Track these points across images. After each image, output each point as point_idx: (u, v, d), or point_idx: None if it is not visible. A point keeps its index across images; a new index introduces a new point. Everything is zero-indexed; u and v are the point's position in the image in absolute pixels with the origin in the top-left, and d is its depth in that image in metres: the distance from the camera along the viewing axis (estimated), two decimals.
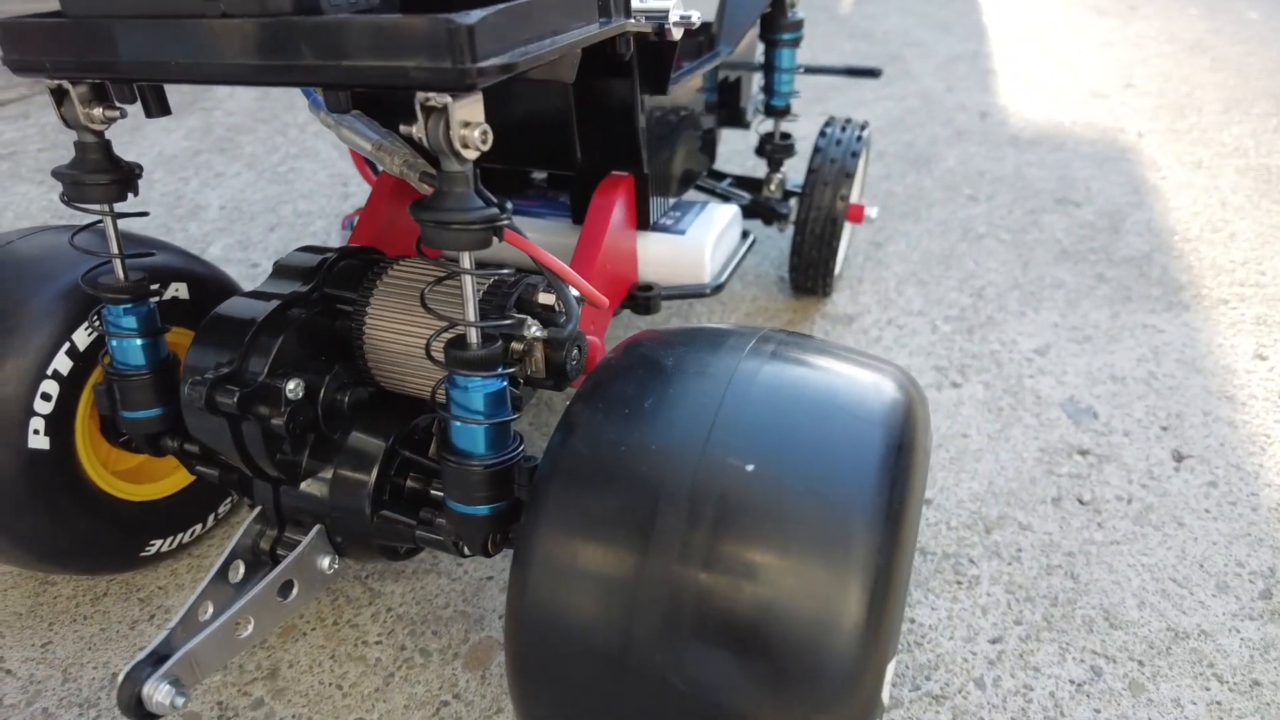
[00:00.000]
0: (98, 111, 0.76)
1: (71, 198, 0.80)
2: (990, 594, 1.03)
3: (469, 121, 0.61)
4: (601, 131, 1.03)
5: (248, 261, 1.86)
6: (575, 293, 0.81)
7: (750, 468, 0.59)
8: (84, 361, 0.92)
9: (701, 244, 1.14)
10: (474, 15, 0.56)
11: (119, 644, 1.00)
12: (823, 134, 1.49)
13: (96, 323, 0.91)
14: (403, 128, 0.63)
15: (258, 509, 0.86)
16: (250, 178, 2.30)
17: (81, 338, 0.91)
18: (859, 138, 1.48)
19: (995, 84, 2.91)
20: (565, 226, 1.20)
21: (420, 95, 0.60)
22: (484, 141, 0.62)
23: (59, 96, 0.76)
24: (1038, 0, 4.13)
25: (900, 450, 0.62)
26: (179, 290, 1.00)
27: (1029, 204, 2.04)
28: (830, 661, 0.55)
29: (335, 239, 1.94)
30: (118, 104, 0.77)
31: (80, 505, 0.94)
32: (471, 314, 0.69)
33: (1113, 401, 1.36)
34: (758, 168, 1.86)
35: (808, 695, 0.56)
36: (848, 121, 1.52)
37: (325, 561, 0.84)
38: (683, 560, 0.57)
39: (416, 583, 1.06)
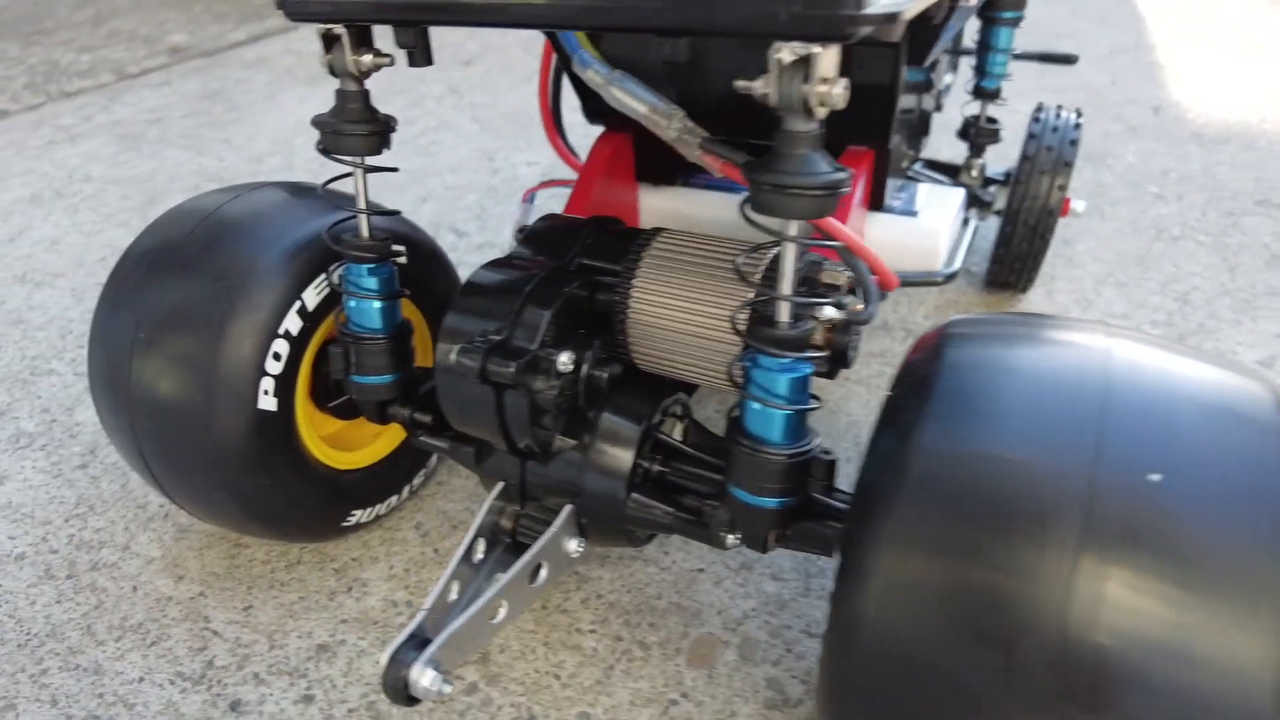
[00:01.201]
0: (366, 58, 0.72)
1: (329, 147, 0.76)
2: None
3: (828, 77, 0.54)
4: (853, 101, 0.95)
5: None
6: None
7: (1156, 478, 0.51)
8: (312, 322, 0.88)
9: (937, 228, 1.05)
10: None
11: (319, 614, 0.97)
12: (1036, 119, 1.38)
13: (327, 281, 0.87)
14: (740, 83, 0.57)
15: (499, 485, 0.82)
16: (392, 149, 2.29)
17: (311, 297, 0.87)
18: (1076, 125, 1.36)
19: (1164, 78, 2.73)
20: None
21: (776, 45, 0.53)
22: (843, 100, 0.55)
23: (328, 43, 0.72)
24: None
25: None
26: (400, 256, 0.96)
27: (1225, 205, 1.89)
28: None
29: (510, 214, 1.90)
30: (385, 51, 0.73)
31: (298, 470, 0.91)
32: (788, 287, 0.62)
33: None
34: (939, 151, 1.76)
35: None
36: (1060, 108, 1.41)
37: (572, 544, 0.79)
38: (1073, 588, 0.49)
39: (624, 569, 1.00)
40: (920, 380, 0.61)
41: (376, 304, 0.83)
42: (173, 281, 0.84)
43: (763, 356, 0.65)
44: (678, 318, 0.75)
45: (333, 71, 0.73)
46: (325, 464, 0.95)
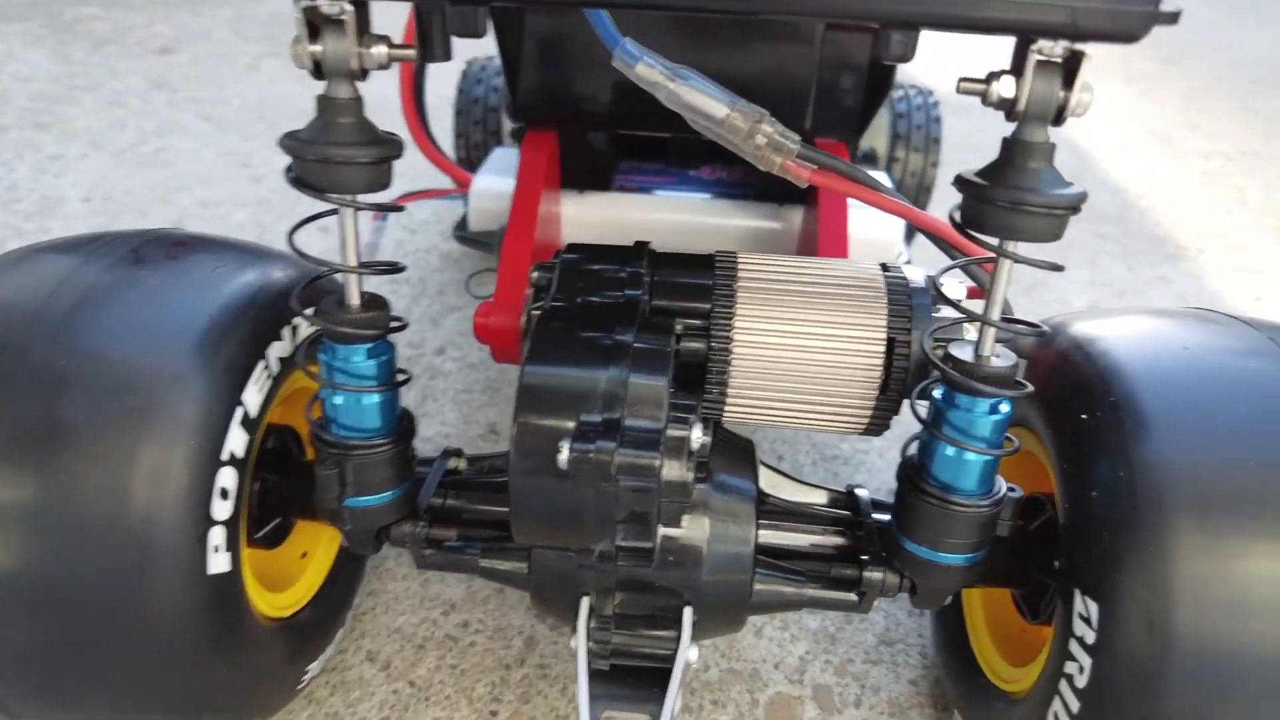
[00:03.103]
0: (379, 50, 0.50)
1: (312, 180, 0.52)
2: None
3: (1088, 83, 0.46)
4: (841, 93, 0.87)
5: None
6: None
7: None
8: (254, 432, 0.63)
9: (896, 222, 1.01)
10: None
11: None
12: (900, 99, 1.41)
13: (268, 371, 0.62)
14: (966, 84, 0.47)
15: (585, 605, 0.64)
16: (105, 161, 1.79)
17: (253, 397, 0.62)
18: (935, 103, 1.42)
19: None
20: (741, 207, 1.01)
21: (1042, 43, 0.45)
22: (1088, 108, 0.48)
23: (314, 27, 0.49)
24: None
25: None
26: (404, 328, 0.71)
27: None
28: None
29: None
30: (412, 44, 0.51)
31: (250, 637, 0.65)
32: (997, 313, 0.54)
33: None
34: None
35: None
36: (917, 89, 1.45)
37: (694, 653, 0.64)
38: None
39: None
40: (1100, 395, 0.56)
41: (375, 398, 0.60)
42: (28, 402, 0.54)
43: (962, 395, 0.56)
44: (796, 357, 0.63)
45: (318, 70, 0.50)
46: (271, 616, 0.70)
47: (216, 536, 0.59)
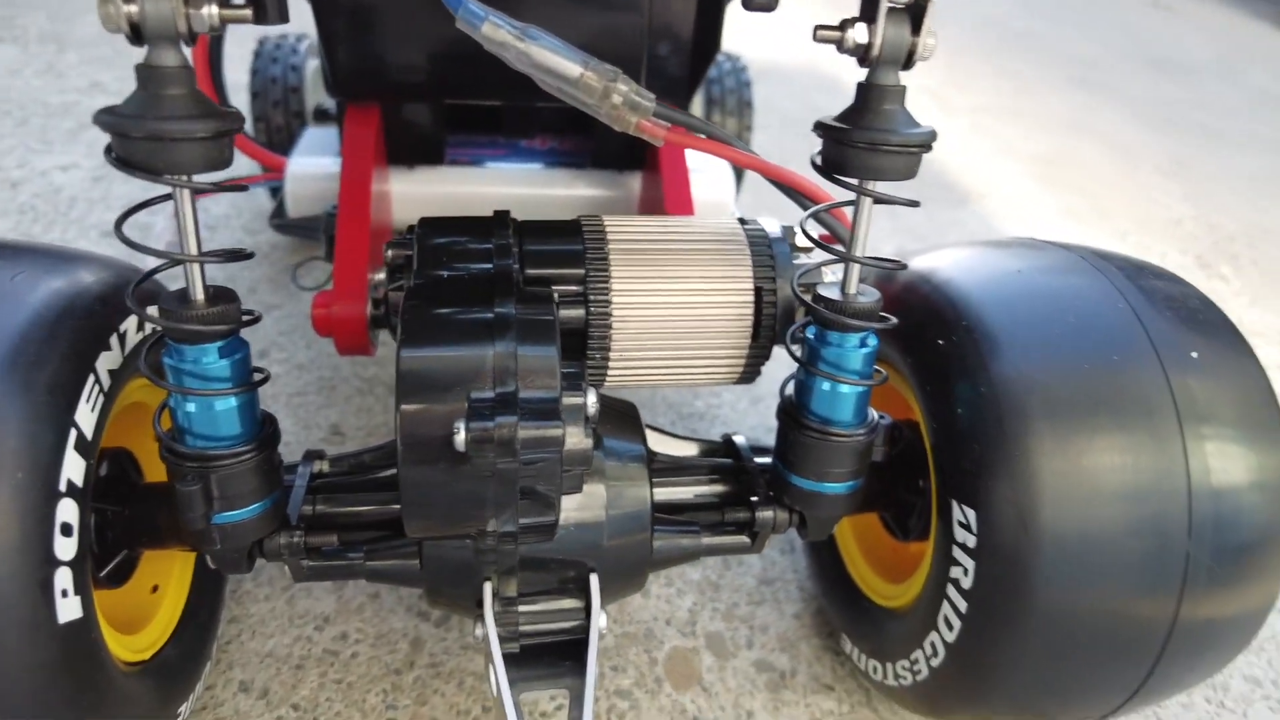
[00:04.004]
0: (210, 10, 0.45)
1: (139, 161, 0.47)
2: None
3: (932, 28, 0.50)
4: (672, 55, 0.87)
5: None
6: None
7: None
8: (89, 455, 0.55)
9: (728, 175, 1.04)
10: None
11: None
12: None
13: (98, 384, 0.55)
14: (823, 32, 0.49)
15: (489, 590, 0.61)
16: None
17: (86, 417, 0.55)
18: (744, 68, 1.45)
19: None
20: (579, 176, 0.99)
21: None
22: (933, 51, 0.51)
23: None
24: None
25: None
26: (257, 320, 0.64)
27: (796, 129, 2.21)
28: None
29: (159, 233, 1.38)
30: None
31: (112, 687, 0.58)
32: (861, 250, 0.57)
33: None
34: None
35: None
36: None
37: (603, 620, 0.64)
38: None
39: None
40: (953, 323, 0.61)
41: (234, 401, 0.55)
42: None
43: (833, 332, 0.59)
44: (673, 315, 0.63)
45: (136, 35, 0.44)
46: (130, 662, 0.62)
47: (63, 579, 0.52)
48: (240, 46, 1.57)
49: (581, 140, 1.05)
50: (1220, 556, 0.56)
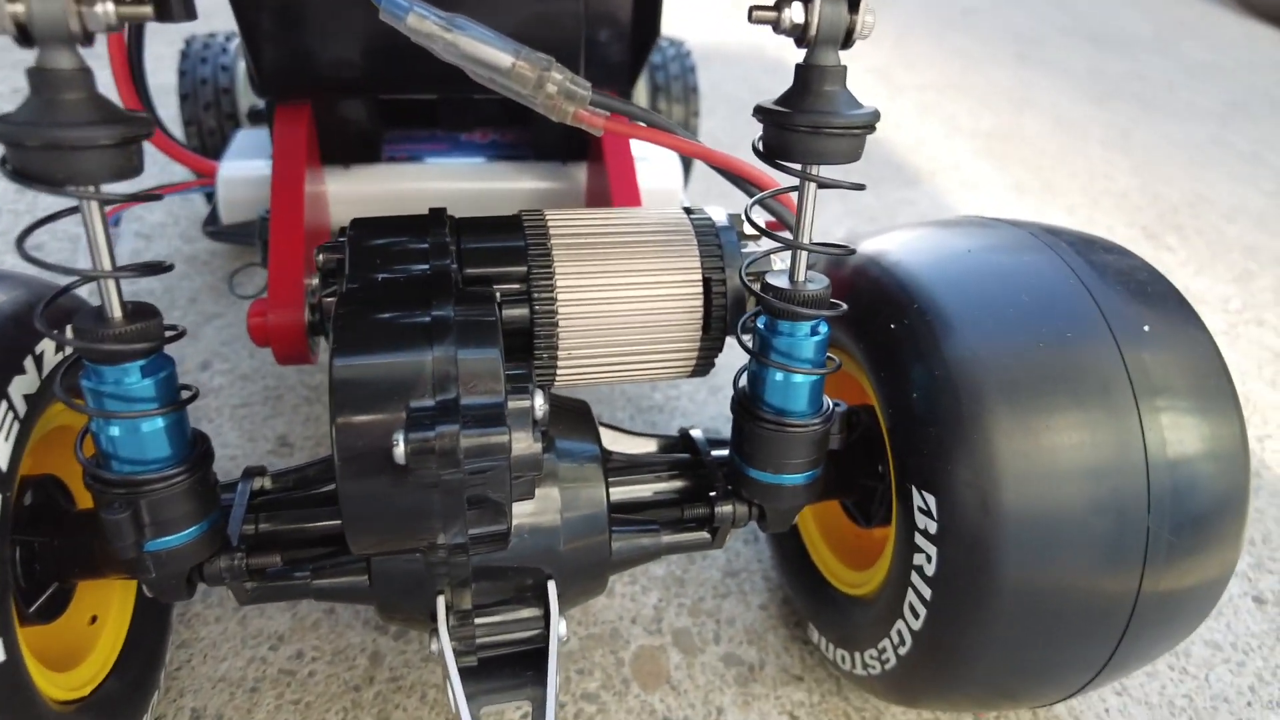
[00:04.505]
0: (106, 7, 0.43)
1: (34, 172, 0.44)
2: None
3: (870, 5, 0.48)
4: (611, 41, 0.85)
5: None
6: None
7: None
8: (6, 488, 0.52)
9: (676, 164, 1.02)
10: None
11: None
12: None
13: (10, 410, 0.52)
14: (760, 12, 0.48)
15: (442, 604, 0.59)
16: None
17: (1, 447, 0.51)
18: (688, 53, 1.44)
19: None
20: (523, 169, 0.97)
21: None
22: (872, 29, 0.50)
23: None
24: None
25: None
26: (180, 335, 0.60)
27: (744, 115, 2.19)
28: None
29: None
30: None
31: None
32: (808, 236, 0.55)
33: None
34: None
35: None
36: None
37: (563, 627, 0.62)
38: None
39: None
40: (904, 305, 0.60)
41: (160, 422, 0.52)
42: None
43: (783, 321, 0.57)
44: (621, 309, 0.61)
45: (23, 35, 0.41)
46: (66, 700, 0.59)
47: None
48: (172, 47, 1.51)
49: (524, 132, 1.03)
50: (1179, 529, 0.56)
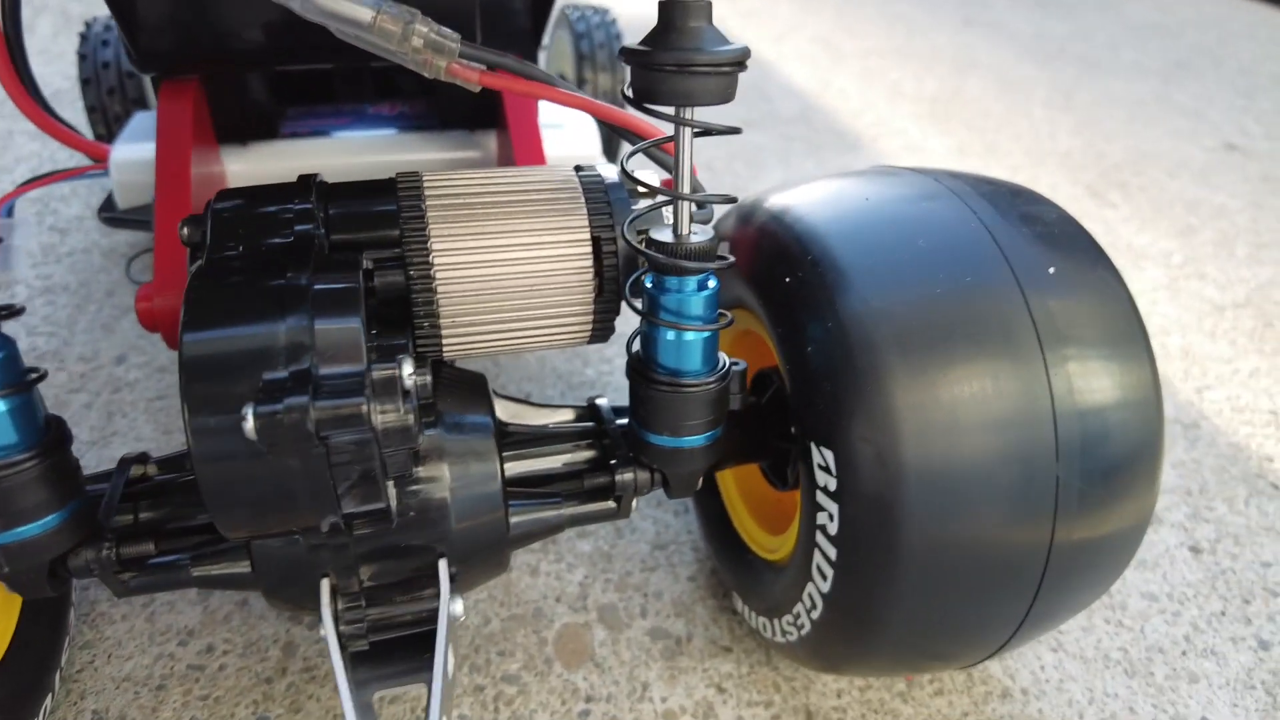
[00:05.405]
0: None
1: None
2: None
3: None
4: (514, 4, 0.82)
5: None
6: None
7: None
8: None
9: (587, 130, 0.99)
10: None
11: None
12: (575, 19, 1.39)
13: None
14: None
15: (326, 587, 0.57)
16: None
17: None
18: (614, 20, 1.40)
19: None
20: (430, 139, 0.93)
21: None
22: None
23: None
24: None
25: None
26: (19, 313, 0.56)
27: None
28: None
29: None
30: None
31: None
32: (686, 185, 0.53)
33: None
34: None
35: None
36: (593, 9, 1.43)
37: (459, 606, 0.59)
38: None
39: None
40: (799, 258, 0.58)
41: (2, 405, 0.48)
42: None
43: (670, 277, 0.55)
44: (505, 273, 0.59)
45: None
46: None
47: None
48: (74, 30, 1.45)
49: (431, 102, 0.99)
50: (1090, 478, 0.55)
